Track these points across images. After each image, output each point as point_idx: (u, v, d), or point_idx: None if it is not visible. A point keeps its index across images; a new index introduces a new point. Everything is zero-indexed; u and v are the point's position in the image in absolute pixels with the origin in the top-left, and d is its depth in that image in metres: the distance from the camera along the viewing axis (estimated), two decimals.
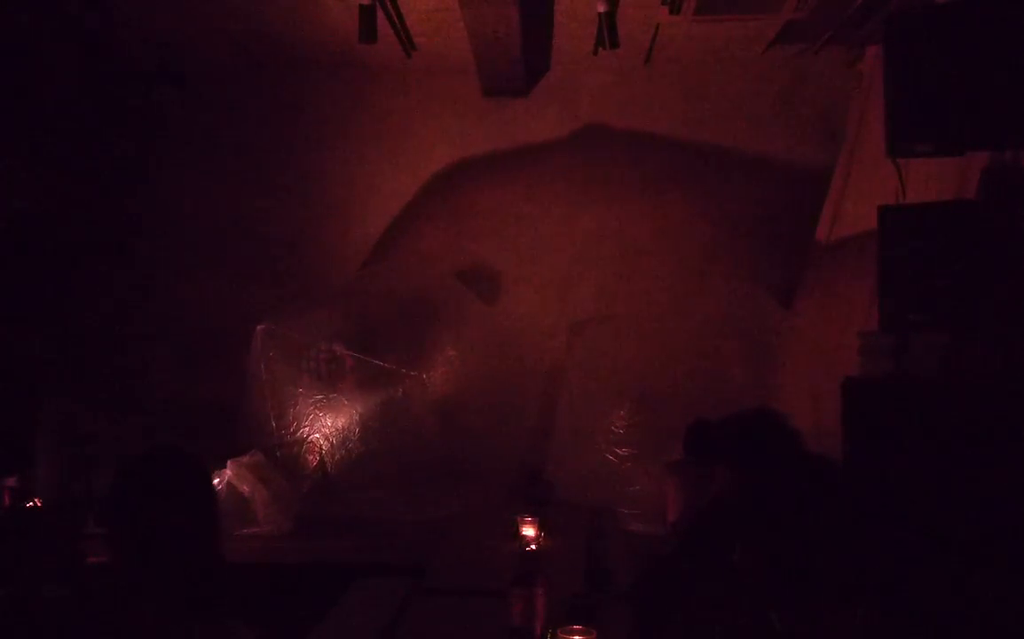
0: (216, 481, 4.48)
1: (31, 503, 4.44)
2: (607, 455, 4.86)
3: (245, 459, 4.71)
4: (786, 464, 2.25)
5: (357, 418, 5.06)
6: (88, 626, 1.79)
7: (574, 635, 2.16)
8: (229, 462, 4.68)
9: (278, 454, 4.93)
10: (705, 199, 5.97)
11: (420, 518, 4.76)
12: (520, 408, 5.54)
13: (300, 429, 5.07)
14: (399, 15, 4.87)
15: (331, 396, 5.09)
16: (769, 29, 5.15)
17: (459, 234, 6.03)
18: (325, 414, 5.07)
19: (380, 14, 4.61)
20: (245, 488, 4.58)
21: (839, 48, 5.51)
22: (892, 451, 2.96)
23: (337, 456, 5.05)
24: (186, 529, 1.75)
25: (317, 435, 5.04)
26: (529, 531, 3.37)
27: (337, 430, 5.06)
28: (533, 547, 3.30)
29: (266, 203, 5.95)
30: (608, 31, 4.53)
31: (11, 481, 4.38)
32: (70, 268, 5.36)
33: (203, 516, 1.81)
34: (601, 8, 4.51)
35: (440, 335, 5.46)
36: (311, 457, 4.99)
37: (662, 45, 5.50)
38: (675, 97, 5.98)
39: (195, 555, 1.75)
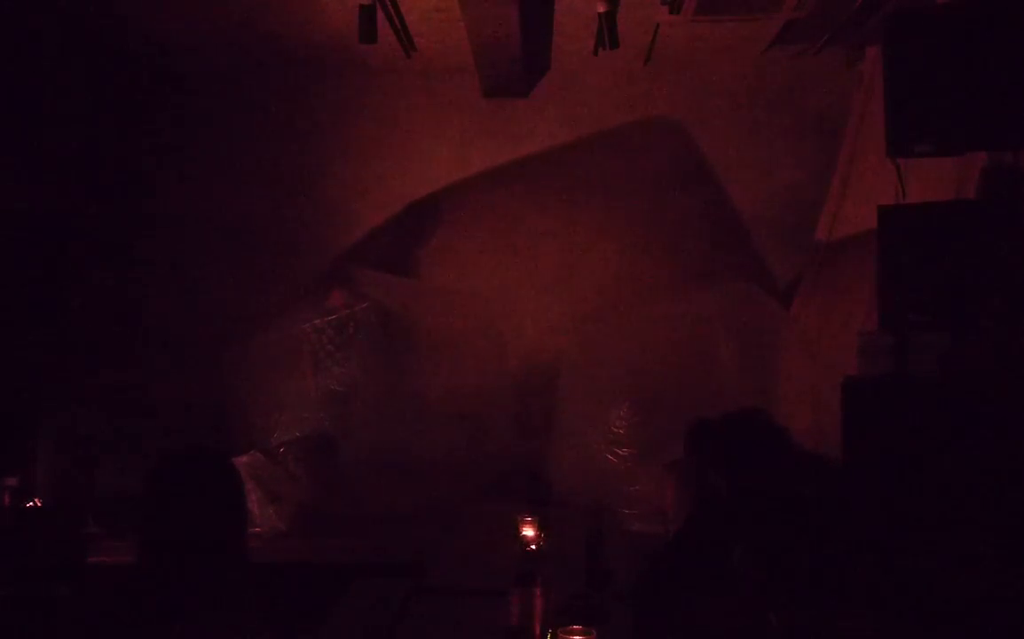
0: None
1: (31, 503, 4.44)
2: (607, 455, 4.85)
3: (244, 459, 4.71)
4: (775, 464, 2.25)
5: (361, 413, 5.07)
6: (100, 626, 1.78)
7: (574, 635, 2.16)
8: None
9: (279, 452, 4.93)
10: (705, 199, 5.98)
11: (422, 508, 4.76)
12: (519, 408, 5.54)
13: (299, 428, 5.07)
14: (399, 15, 4.87)
15: (334, 390, 5.12)
16: (769, 29, 5.15)
17: (459, 233, 6.03)
18: (334, 411, 5.09)
19: (380, 14, 4.61)
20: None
21: (839, 48, 5.51)
22: (892, 451, 2.96)
23: (342, 450, 5.06)
24: (216, 530, 1.75)
25: (322, 429, 5.06)
26: (529, 531, 3.36)
27: (341, 424, 5.08)
28: (533, 547, 3.29)
29: (266, 203, 5.94)
30: (608, 31, 4.53)
31: (11, 481, 4.37)
32: (70, 267, 5.36)
33: (233, 517, 1.81)
34: (601, 8, 4.50)
35: (440, 334, 5.46)
36: (310, 452, 4.98)
37: (662, 45, 5.50)
38: (675, 97, 5.98)
39: (223, 556, 1.75)
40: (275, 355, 5.19)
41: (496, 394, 5.42)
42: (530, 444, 5.40)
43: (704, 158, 5.98)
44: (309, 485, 4.90)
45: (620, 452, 4.83)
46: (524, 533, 3.35)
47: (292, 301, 5.58)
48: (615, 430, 4.87)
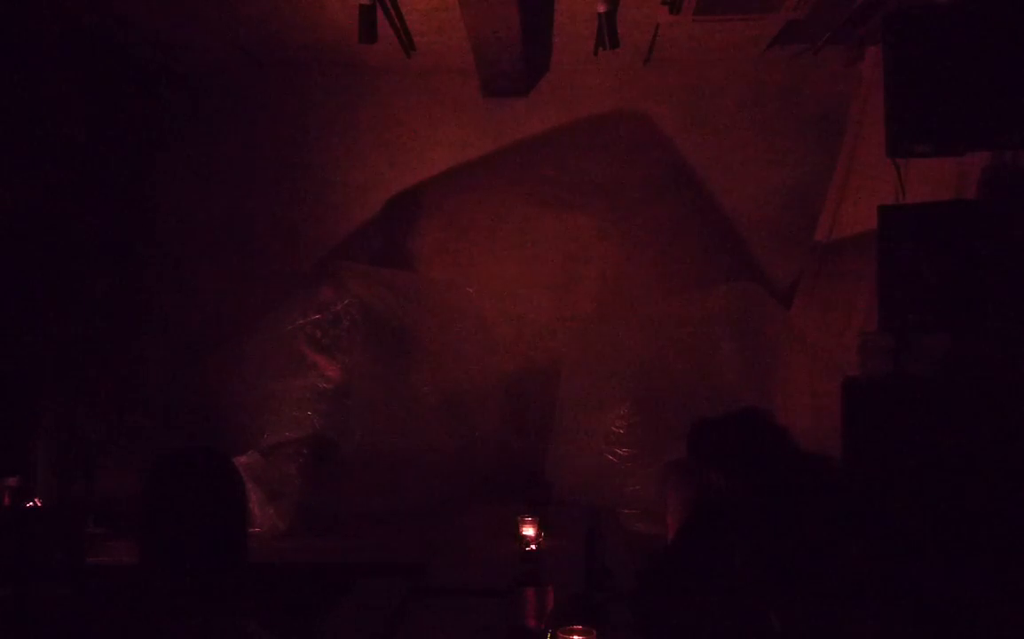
0: None
1: (31, 503, 4.44)
2: (607, 455, 4.85)
3: (243, 459, 4.71)
4: (777, 463, 2.25)
5: (357, 411, 5.07)
6: (100, 626, 1.78)
7: (574, 635, 2.16)
8: None
9: (278, 452, 4.92)
10: (705, 199, 5.98)
11: (419, 508, 4.76)
12: (520, 408, 5.54)
13: (296, 428, 5.08)
14: (399, 15, 4.88)
15: (330, 388, 5.13)
16: (769, 29, 5.15)
17: (459, 233, 6.03)
18: (324, 409, 5.09)
19: (380, 14, 4.61)
20: None
21: (839, 48, 5.51)
22: (892, 451, 2.96)
23: (339, 450, 5.07)
24: (217, 530, 1.75)
25: (317, 428, 5.06)
26: (529, 531, 3.36)
27: (338, 423, 5.08)
28: (533, 547, 3.29)
29: (266, 202, 5.94)
30: (608, 31, 4.54)
31: (11, 481, 4.37)
32: (69, 267, 5.35)
33: (234, 517, 1.81)
34: (601, 8, 4.51)
35: (440, 334, 5.46)
36: (309, 451, 4.98)
37: (662, 45, 5.50)
38: (675, 97, 5.98)
39: (224, 556, 1.75)
40: (270, 354, 5.20)
41: (490, 392, 5.43)
42: (529, 444, 5.41)
43: (704, 158, 5.98)
44: (308, 485, 4.90)
45: (620, 452, 4.84)
46: (524, 533, 3.35)
47: (288, 299, 5.58)
48: (615, 430, 4.88)
